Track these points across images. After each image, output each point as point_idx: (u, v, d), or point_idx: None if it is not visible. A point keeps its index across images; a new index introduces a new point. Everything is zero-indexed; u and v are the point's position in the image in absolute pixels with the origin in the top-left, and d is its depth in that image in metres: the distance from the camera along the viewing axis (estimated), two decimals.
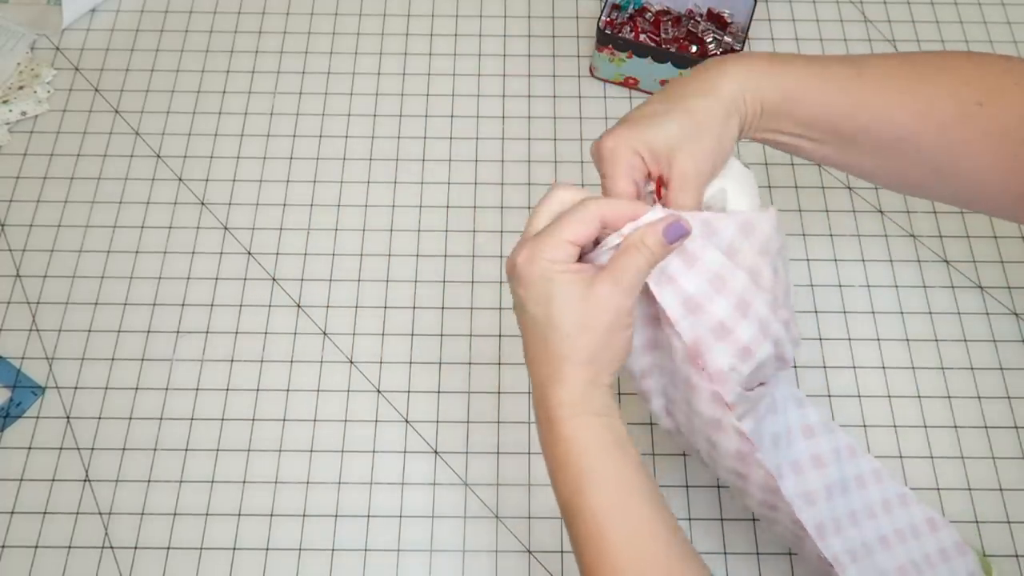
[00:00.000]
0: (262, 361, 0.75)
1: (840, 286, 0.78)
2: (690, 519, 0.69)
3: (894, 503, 0.64)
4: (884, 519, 0.63)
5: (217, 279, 0.78)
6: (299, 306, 0.77)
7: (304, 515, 0.69)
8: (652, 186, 0.54)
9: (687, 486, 0.70)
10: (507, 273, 0.51)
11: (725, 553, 0.67)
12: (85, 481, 0.70)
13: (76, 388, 0.73)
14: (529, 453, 0.71)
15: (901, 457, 0.71)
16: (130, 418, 0.72)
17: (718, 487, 0.70)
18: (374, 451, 0.71)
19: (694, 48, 0.85)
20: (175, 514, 0.69)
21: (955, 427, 0.72)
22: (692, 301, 0.51)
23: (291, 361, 0.75)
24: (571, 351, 0.48)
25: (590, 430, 0.49)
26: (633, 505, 0.48)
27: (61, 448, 0.71)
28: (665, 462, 0.71)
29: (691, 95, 0.53)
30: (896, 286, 0.78)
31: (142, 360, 0.75)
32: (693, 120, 0.52)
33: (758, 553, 0.67)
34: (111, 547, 0.68)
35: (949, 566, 0.63)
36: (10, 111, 0.85)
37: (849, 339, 0.75)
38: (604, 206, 0.49)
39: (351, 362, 0.75)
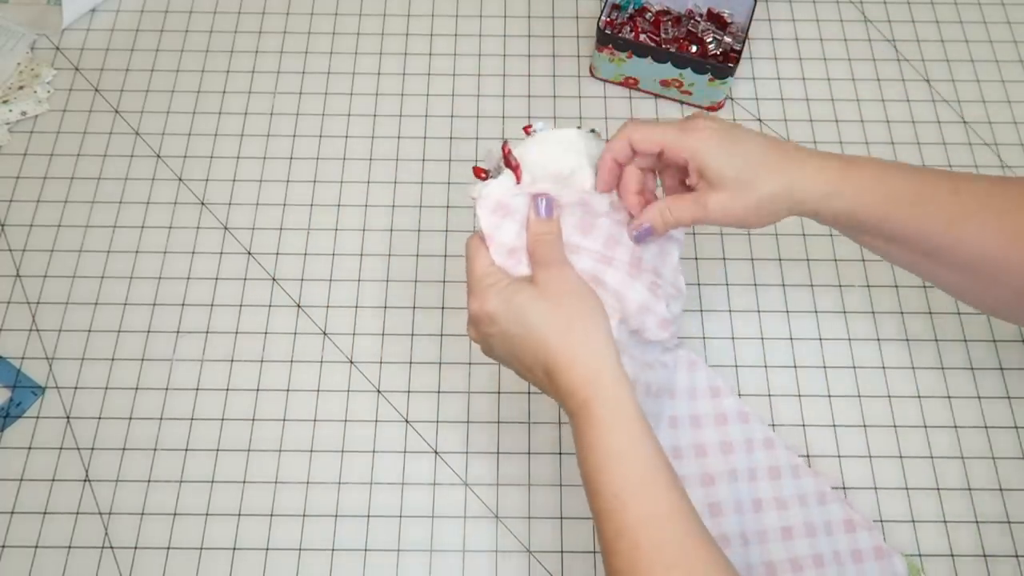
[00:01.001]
0: (262, 361, 0.75)
1: (840, 286, 0.78)
2: None
3: (810, 499, 0.66)
4: (796, 511, 0.65)
5: (217, 279, 0.78)
6: (299, 306, 0.77)
7: (304, 515, 0.69)
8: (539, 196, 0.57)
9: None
10: (474, 330, 0.56)
11: None
12: (85, 481, 0.70)
13: (76, 388, 0.73)
14: (529, 453, 0.71)
15: (901, 457, 0.71)
16: (130, 418, 0.72)
17: None
18: (374, 451, 0.71)
19: (694, 48, 0.85)
20: (175, 514, 0.69)
21: (955, 427, 0.72)
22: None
23: (291, 361, 0.75)
24: (561, 332, 0.52)
25: (614, 405, 0.51)
26: (654, 486, 0.50)
27: (61, 448, 0.71)
28: None
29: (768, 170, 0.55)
30: (896, 286, 0.78)
31: (142, 360, 0.75)
32: (754, 172, 0.55)
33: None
34: (111, 547, 0.68)
35: (860, 568, 0.64)
36: (10, 111, 0.85)
37: (849, 339, 0.75)
38: (477, 238, 0.57)
39: (351, 362, 0.75)
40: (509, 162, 0.58)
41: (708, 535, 0.50)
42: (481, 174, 0.59)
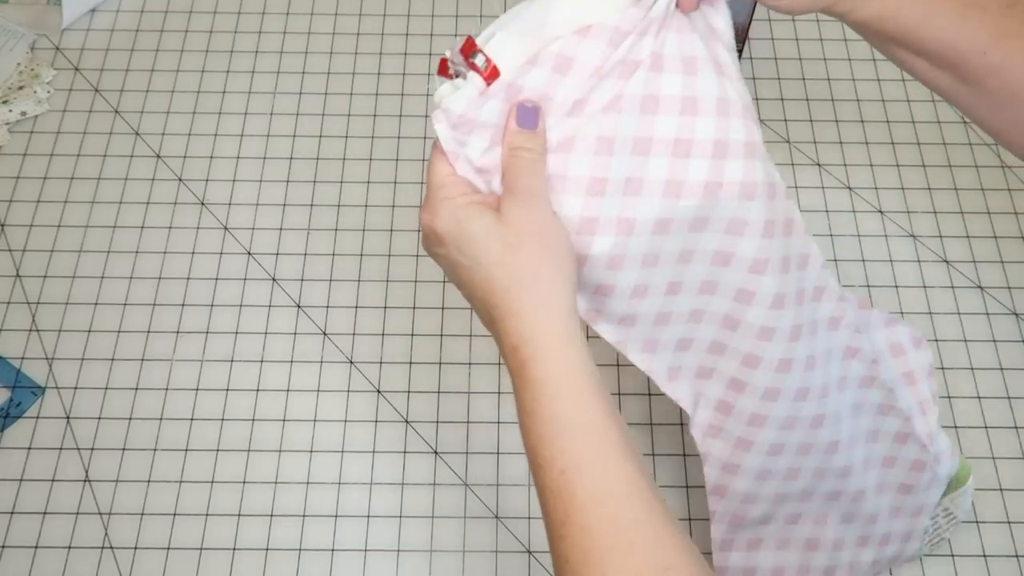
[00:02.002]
0: (262, 361, 0.75)
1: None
2: (689, 519, 0.69)
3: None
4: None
5: (217, 279, 0.78)
6: (299, 306, 0.77)
7: (304, 515, 0.69)
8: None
9: (687, 486, 0.70)
10: (425, 245, 0.48)
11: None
12: (85, 481, 0.70)
13: (76, 388, 0.73)
14: None
15: None
16: (130, 418, 0.72)
17: (686, 486, 0.70)
18: (374, 451, 0.71)
19: None
20: (175, 514, 0.69)
21: (955, 427, 0.72)
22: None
23: (291, 361, 0.75)
24: (512, 277, 0.44)
25: (559, 368, 0.44)
26: (605, 461, 0.43)
27: (61, 448, 0.71)
28: (666, 462, 0.71)
29: None
30: (896, 286, 0.78)
31: (142, 360, 0.75)
32: None
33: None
34: (111, 547, 0.68)
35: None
36: (10, 111, 0.85)
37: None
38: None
39: (351, 362, 0.75)
40: (474, 65, 0.47)
41: (669, 513, 0.43)
42: (448, 71, 0.48)
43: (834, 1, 0.52)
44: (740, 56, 0.82)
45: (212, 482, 0.70)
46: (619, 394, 0.73)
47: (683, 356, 0.54)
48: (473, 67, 0.47)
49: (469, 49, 0.47)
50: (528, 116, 0.45)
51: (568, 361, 0.44)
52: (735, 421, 0.55)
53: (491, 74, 0.46)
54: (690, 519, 0.68)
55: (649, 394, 0.73)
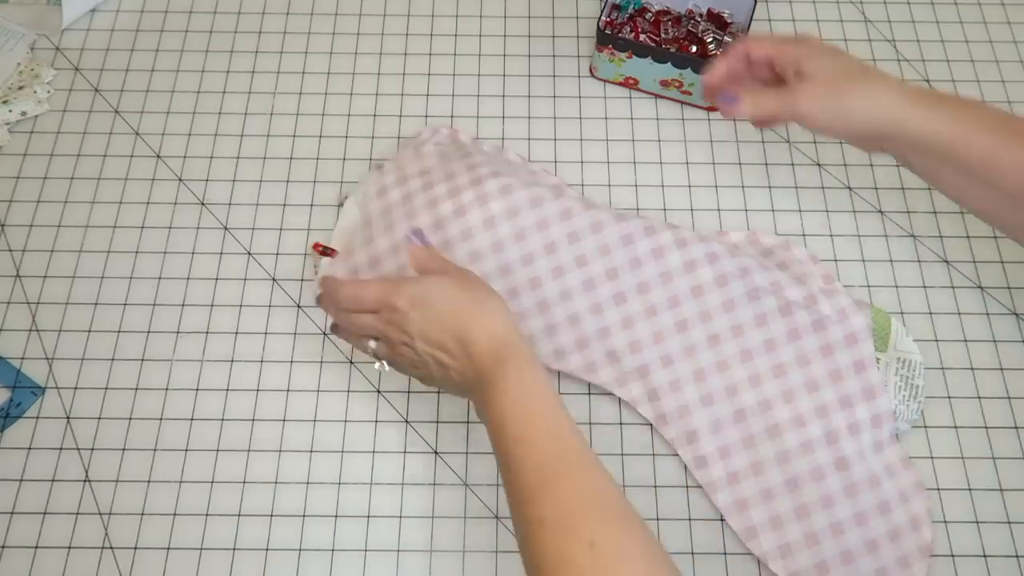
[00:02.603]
0: (262, 361, 0.75)
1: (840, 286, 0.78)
2: (690, 519, 0.69)
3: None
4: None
5: (217, 279, 0.78)
6: (299, 306, 0.77)
7: (304, 515, 0.69)
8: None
9: (688, 486, 0.70)
10: (389, 318, 0.60)
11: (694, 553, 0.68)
12: (85, 481, 0.70)
13: (76, 388, 0.73)
14: None
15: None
16: (130, 418, 0.72)
17: (687, 487, 0.70)
18: (374, 451, 0.71)
19: (694, 48, 0.85)
20: (175, 514, 0.69)
21: (955, 427, 0.72)
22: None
23: (291, 361, 0.75)
24: (471, 304, 0.58)
25: (523, 383, 0.55)
26: (576, 465, 0.52)
27: (61, 448, 0.71)
28: (667, 460, 0.71)
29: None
30: (896, 286, 0.78)
31: (142, 360, 0.75)
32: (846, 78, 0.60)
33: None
34: (111, 547, 0.68)
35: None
36: (10, 111, 0.85)
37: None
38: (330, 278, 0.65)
39: (351, 362, 0.75)
40: (326, 253, 0.76)
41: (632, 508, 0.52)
42: (319, 248, 0.76)
43: (887, 114, 0.59)
44: None
45: (212, 482, 0.70)
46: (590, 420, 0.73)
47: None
48: (325, 255, 0.76)
49: (318, 246, 0.76)
50: (419, 238, 0.64)
51: (533, 359, 0.57)
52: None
53: (333, 253, 0.76)
54: (691, 519, 0.69)
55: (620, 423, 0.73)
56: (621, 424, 0.72)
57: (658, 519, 0.69)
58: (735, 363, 0.70)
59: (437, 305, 0.58)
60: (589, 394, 0.73)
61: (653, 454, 0.71)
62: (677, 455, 0.71)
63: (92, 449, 0.71)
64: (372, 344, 0.62)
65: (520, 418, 0.54)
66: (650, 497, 0.69)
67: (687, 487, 0.70)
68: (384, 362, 0.62)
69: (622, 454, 0.71)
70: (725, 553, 0.67)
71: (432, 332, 0.58)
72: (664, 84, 0.85)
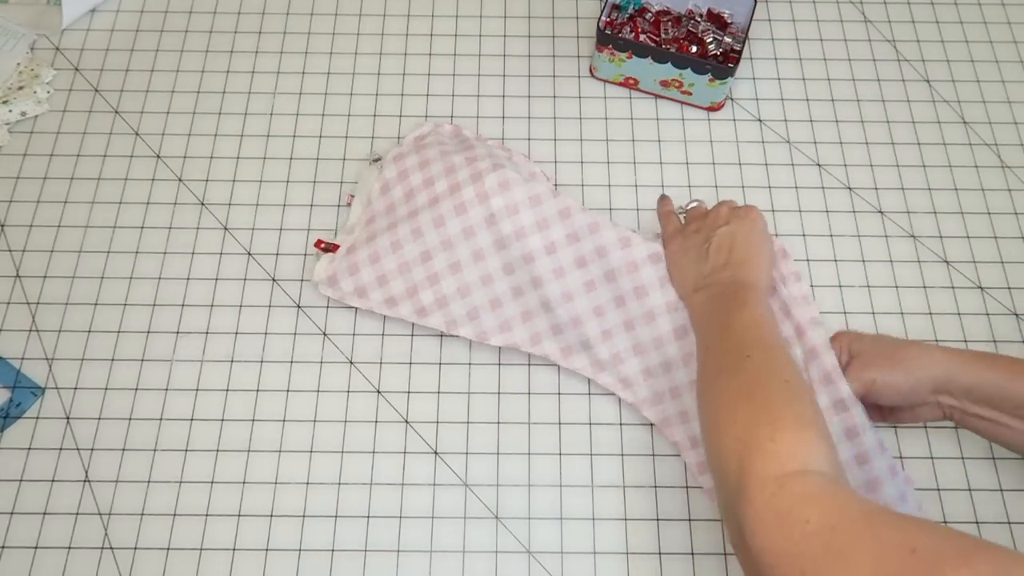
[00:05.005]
0: (262, 362, 0.75)
1: (840, 287, 0.78)
2: (690, 519, 0.69)
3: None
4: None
5: (217, 279, 0.78)
6: (299, 307, 0.77)
7: (304, 515, 0.69)
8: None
9: (688, 486, 0.70)
10: (734, 214, 0.70)
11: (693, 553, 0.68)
12: (85, 481, 0.70)
13: (76, 389, 0.73)
14: (529, 454, 0.71)
15: (902, 458, 0.71)
16: (130, 419, 0.72)
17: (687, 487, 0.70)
18: (374, 451, 0.71)
19: (694, 48, 0.85)
20: (175, 514, 0.69)
21: (955, 427, 0.72)
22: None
23: (291, 362, 0.75)
24: (763, 266, 0.68)
25: (763, 300, 0.65)
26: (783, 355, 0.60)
27: (61, 448, 0.71)
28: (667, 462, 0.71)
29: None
30: (896, 286, 0.78)
31: (142, 361, 0.75)
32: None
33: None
34: (111, 547, 0.68)
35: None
36: (10, 111, 0.85)
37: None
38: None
39: (351, 362, 0.75)
40: (328, 249, 0.77)
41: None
42: (321, 245, 0.77)
43: (943, 374, 0.63)
44: (740, 56, 0.82)
45: (212, 482, 0.70)
46: (590, 394, 0.73)
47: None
48: (327, 251, 0.77)
49: (321, 243, 0.77)
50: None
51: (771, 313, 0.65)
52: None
53: (335, 249, 0.77)
54: (690, 519, 0.69)
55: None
56: (621, 424, 0.72)
57: (658, 519, 0.69)
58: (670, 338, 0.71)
59: (757, 239, 0.69)
60: (589, 394, 0.73)
61: (653, 454, 0.71)
62: (678, 455, 0.71)
63: (92, 449, 0.71)
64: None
65: (760, 311, 0.63)
66: (650, 497, 0.69)
67: (687, 487, 0.70)
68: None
69: (622, 454, 0.71)
70: (725, 553, 0.67)
71: (741, 236, 0.69)
72: (664, 84, 0.85)
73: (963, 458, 0.71)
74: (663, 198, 0.77)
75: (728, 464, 0.51)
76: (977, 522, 0.69)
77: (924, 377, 0.63)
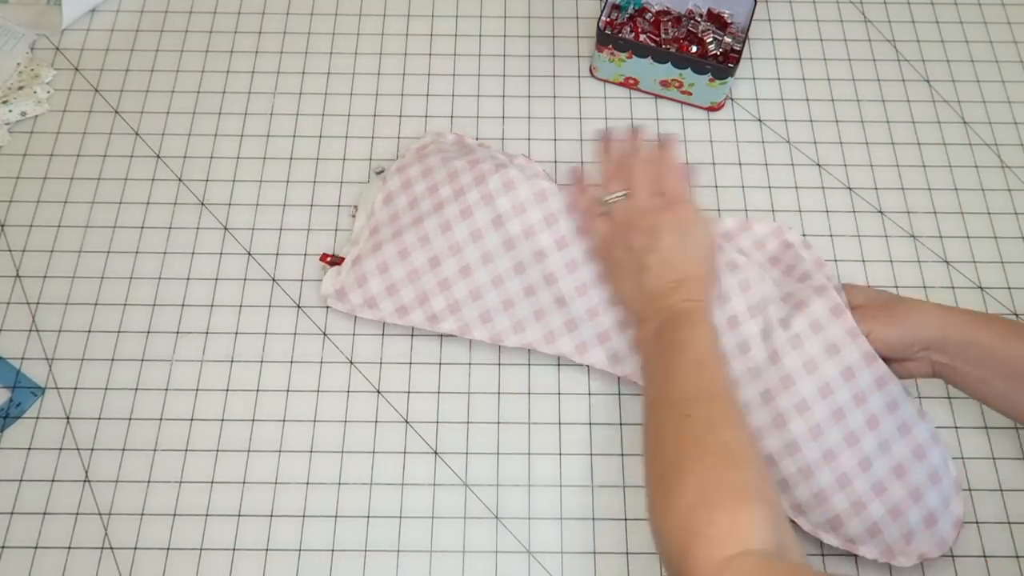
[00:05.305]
0: (262, 362, 0.75)
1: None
2: None
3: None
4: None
5: (217, 279, 0.78)
6: (299, 307, 0.77)
7: (304, 515, 0.69)
8: None
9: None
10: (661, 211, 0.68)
11: None
12: (85, 481, 0.70)
13: (76, 389, 0.73)
14: (529, 454, 0.71)
15: None
16: (130, 419, 0.72)
17: None
18: (374, 451, 0.71)
19: (694, 48, 0.85)
20: (175, 514, 0.69)
21: (955, 427, 0.72)
22: None
23: (291, 362, 0.75)
24: (703, 274, 0.66)
25: (705, 328, 0.63)
26: (724, 394, 0.59)
27: (61, 448, 0.71)
28: None
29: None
30: (896, 286, 0.78)
31: (142, 361, 0.75)
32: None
33: None
34: (111, 547, 0.68)
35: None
36: (10, 111, 0.85)
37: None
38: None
39: (351, 362, 0.75)
40: (334, 263, 0.76)
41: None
42: (326, 259, 0.77)
43: (942, 335, 0.64)
44: (740, 56, 0.82)
45: (212, 482, 0.70)
46: (590, 394, 0.73)
47: None
48: (334, 263, 0.77)
49: (327, 257, 0.78)
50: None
51: (708, 328, 0.63)
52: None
53: (341, 262, 0.77)
54: None
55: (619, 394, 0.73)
56: (621, 425, 0.72)
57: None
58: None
59: (680, 238, 0.66)
60: (589, 394, 0.73)
61: None
62: None
63: (92, 449, 0.71)
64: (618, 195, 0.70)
65: (703, 348, 0.62)
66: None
67: None
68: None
69: (622, 454, 0.71)
70: None
71: (656, 242, 0.66)
72: (664, 84, 0.85)
73: (963, 458, 0.71)
74: (574, 170, 0.76)
75: (670, 549, 0.52)
76: (977, 522, 0.69)
77: (919, 333, 0.64)
